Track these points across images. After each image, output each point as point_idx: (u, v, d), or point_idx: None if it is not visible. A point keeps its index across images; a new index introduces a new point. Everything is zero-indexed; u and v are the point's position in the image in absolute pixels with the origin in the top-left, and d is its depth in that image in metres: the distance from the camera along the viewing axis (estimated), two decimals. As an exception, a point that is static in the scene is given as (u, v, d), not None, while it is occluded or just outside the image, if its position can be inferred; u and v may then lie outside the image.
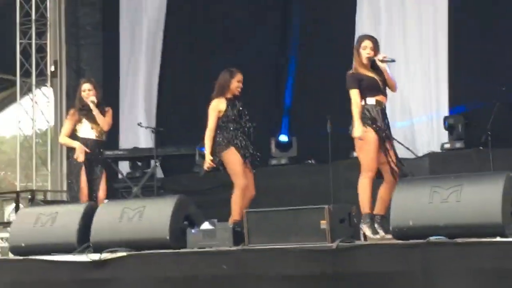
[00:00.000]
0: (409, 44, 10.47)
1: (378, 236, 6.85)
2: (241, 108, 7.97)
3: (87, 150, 8.63)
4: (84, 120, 8.75)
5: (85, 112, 8.74)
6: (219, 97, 7.94)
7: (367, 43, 7.16)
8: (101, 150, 8.85)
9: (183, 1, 12.63)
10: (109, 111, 8.80)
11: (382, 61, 7.11)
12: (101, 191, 8.68)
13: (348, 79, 7.17)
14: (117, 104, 12.80)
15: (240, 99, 7.99)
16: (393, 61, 7.18)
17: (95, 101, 8.69)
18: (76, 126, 8.78)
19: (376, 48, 7.18)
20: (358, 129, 7.02)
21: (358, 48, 7.18)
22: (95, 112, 8.65)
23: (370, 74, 7.12)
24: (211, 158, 7.87)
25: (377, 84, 7.09)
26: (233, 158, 7.84)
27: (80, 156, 8.60)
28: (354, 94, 7.10)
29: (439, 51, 10.53)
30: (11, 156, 20.56)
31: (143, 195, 10.92)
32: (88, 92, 8.77)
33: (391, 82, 7.16)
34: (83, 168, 8.62)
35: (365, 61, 7.14)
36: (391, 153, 7.07)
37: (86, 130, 8.74)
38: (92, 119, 8.71)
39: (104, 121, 8.71)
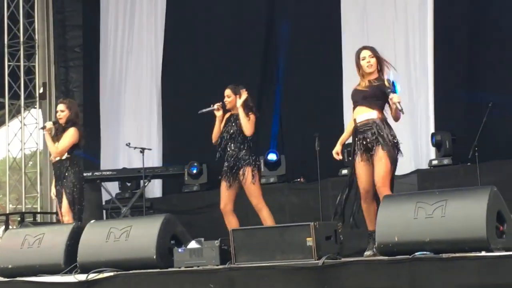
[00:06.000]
0: (396, 59, 10.48)
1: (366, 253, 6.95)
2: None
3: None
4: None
5: (56, 132, 8.85)
6: None
7: (365, 53, 7.16)
8: (67, 166, 8.77)
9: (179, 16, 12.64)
10: (69, 131, 8.72)
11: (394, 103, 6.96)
12: (62, 209, 8.74)
13: None
14: (98, 125, 12.80)
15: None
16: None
17: (47, 127, 8.77)
18: None
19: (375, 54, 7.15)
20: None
21: (357, 61, 7.16)
22: (47, 138, 8.74)
23: (361, 85, 7.15)
24: None
25: (358, 95, 7.14)
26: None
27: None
28: None
29: (426, 67, 10.55)
30: (2, 179, 20.49)
31: (132, 215, 10.88)
32: (60, 113, 8.80)
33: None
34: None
35: (364, 71, 7.13)
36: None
37: None
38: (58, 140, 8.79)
39: (60, 144, 8.72)
